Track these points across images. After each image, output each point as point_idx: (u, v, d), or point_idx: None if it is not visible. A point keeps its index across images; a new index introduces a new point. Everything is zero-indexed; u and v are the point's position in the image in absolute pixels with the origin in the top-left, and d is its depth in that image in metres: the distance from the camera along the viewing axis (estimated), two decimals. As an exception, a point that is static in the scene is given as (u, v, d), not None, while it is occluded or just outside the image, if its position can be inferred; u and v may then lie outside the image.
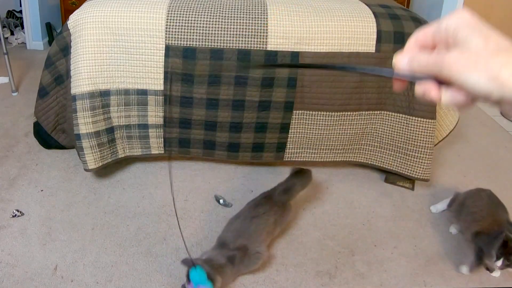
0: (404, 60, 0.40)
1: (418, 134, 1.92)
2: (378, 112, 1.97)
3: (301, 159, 2.06)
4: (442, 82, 0.39)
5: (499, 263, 1.43)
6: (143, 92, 1.89)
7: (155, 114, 1.92)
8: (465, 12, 0.39)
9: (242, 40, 1.82)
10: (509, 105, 0.34)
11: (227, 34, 1.83)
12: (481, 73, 0.34)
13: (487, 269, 1.57)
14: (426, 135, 1.91)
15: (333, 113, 1.94)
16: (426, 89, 0.39)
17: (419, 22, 1.96)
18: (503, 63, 0.33)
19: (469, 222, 1.63)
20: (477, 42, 0.35)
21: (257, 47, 1.83)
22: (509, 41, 0.35)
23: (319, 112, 1.94)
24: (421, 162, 1.94)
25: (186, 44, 1.82)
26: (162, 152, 2.03)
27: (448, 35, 0.39)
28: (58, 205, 1.83)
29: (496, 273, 1.56)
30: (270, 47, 1.83)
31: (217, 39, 1.83)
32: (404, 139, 1.95)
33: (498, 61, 0.34)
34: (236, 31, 1.83)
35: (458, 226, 1.76)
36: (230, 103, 1.90)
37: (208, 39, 1.82)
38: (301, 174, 1.75)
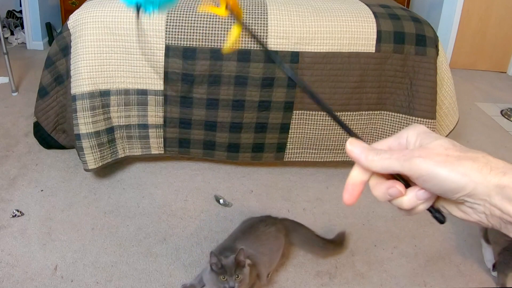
0: (358, 149, 0.40)
1: (418, 134, 1.92)
2: (378, 112, 1.97)
3: (301, 159, 2.06)
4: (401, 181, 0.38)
5: None
6: (143, 92, 1.88)
7: (155, 114, 1.92)
8: (421, 125, 0.40)
9: (242, 40, 1.82)
10: (474, 200, 0.34)
11: (227, 34, 1.83)
12: (454, 167, 0.34)
13: (494, 266, 1.57)
14: (426, 135, 1.91)
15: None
16: (390, 185, 0.38)
17: (419, 22, 1.96)
18: (473, 158, 0.34)
19: (498, 239, 1.61)
20: (444, 142, 0.36)
21: (257, 47, 1.83)
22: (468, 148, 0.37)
23: (319, 112, 1.94)
24: (421, 162, 1.94)
25: (186, 44, 1.82)
26: (162, 152, 2.03)
27: (408, 145, 0.39)
28: (58, 205, 1.83)
29: None
30: (270, 47, 1.83)
31: (217, 39, 1.83)
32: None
33: (469, 156, 0.35)
34: (236, 31, 1.82)
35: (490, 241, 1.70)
36: (230, 103, 1.90)
37: (208, 39, 1.82)
38: (316, 243, 1.62)
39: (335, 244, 1.64)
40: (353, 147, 0.40)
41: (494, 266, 1.59)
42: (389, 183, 0.38)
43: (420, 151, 0.36)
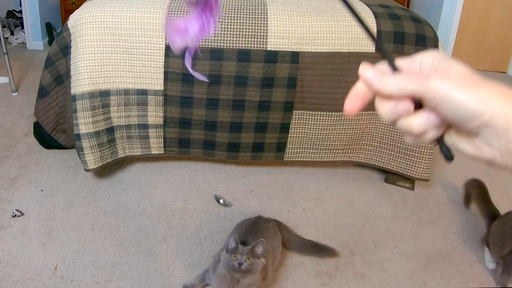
0: (371, 73, 0.37)
1: (418, 134, 1.92)
2: (378, 112, 1.97)
3: (301, 159, 2.06)
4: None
5: None
6: (143, 92, 1.89)
7: (155, 114, 1.92)
8: (438, 51, 0.37)
9: (242, 40, 1.82)
10: (490, 132, 0.32)
11: (227, 34, 1.83)
12: (472, 92, 0.32)
13: (507, 261, 1.56)
14: (426, 135, 1.91)
15: (333, 113, 1.94)
16: (398, 101, 0.35)
17: (419, 22, 1.96)
18: (494, 86, 0.32)
19: (500, 244, 1.61)
20: (463, 67, 0.34)
21: (257, 47, 1.83)
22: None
23: (319, 112, 1.94)
24: (421, 162, 1.94)
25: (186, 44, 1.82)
26: (162, 152, 2.03)
27: (424, 68, 0.37)
28: (58, 205, 1.83)
29: None
30: (270, 47, 1.83)
31: (217, 39, 1.82)
32: (404, 139, 1.95)
33: (489, 84, 0.32)
34: (236, 31, 1.83)
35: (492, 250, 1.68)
36: (230, 103, 1.90)
37: (208, 39, 1.82)
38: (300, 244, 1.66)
39: (320, 248, 1.65)
40: (366, 71, 0.37)
41: (505, 262, 1.57)
42: (398, 100, 0.35)
43: (437, 72, 0.34)
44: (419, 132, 0.35)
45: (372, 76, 0.36)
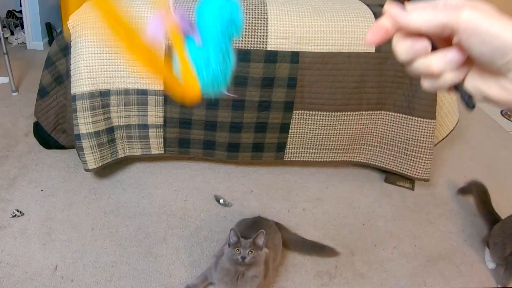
0: (396, 8, 0.35)
1: (418, 134, 1.92)
2: (378, 112, 1.97)
3: (301, 159, 2.06)
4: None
5: None
6: (143, 92, 1.88)
7: (155, 114, 1.92)
8: None
9: (242, 40, 1.82)
10: None
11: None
12: (507, 25, 0.30)
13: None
14: (426, 135, 1.91)
15: (333, 113, 1.94)
16: (417, 39, 0.34)
17: (419, 22, 1.96)
18: None
19: (501, 244, 1.61)
20: (491, 7, 0.33)
21: (257, 47, 1.83)
22: None
23: (319, 112, 1.94)
24: (421, 162, 1.94)
25: (186, 44, 1.82)
26: (162, 152, 2.03)
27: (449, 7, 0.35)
28: (58, 205, 1.83)
29: None
30: (270, 47, 1.83)
31: (217, 39, 1.82)
32: (404, 139, 1.95)
33: None
34: (236, 31, 1.82)
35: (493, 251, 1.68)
36: (230, 103, 1.90)
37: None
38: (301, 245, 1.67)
39: (320, 248, 1.66)
40: (391, 6, 0.35)
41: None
42: (416, 38, 0.34)
43: (469, 7, 0.32)
44: (438, 71, 0.34)
45: (397, 10, 0.35)
